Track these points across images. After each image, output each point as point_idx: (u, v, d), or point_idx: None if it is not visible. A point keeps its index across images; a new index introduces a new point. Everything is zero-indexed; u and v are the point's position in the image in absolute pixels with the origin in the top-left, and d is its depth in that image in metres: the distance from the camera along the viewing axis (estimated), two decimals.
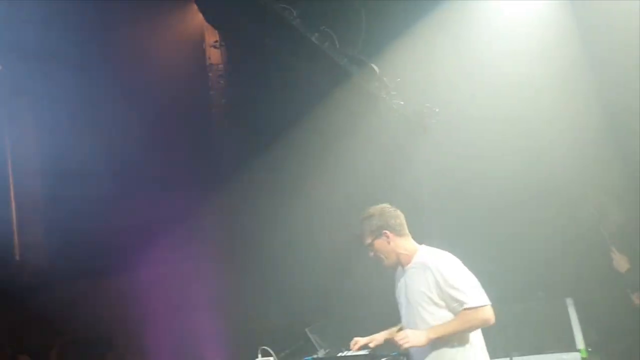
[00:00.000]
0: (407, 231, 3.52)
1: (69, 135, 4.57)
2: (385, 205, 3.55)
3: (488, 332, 3.58)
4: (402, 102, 5.39)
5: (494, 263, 5.32)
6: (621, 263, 4.75)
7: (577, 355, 4.51)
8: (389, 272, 3.60)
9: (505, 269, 5.38)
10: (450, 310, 3.23)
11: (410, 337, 3.25)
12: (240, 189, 5.32)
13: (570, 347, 4.56)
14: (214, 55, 6.77)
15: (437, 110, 5.53)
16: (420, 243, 3.55)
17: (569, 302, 4.76)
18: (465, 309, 3.21)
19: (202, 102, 5.99)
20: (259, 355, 3.99)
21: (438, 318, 3.27)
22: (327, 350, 4.12)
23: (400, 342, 3.26)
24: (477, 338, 3.36)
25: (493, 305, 4.73)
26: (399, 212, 3.54)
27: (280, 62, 4.73)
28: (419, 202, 5.72)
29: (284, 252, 5.24)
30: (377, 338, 3.64)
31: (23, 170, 4.85)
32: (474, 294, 3.23)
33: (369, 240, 3.47)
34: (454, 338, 3.27)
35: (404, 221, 3.52)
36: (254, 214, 4.86)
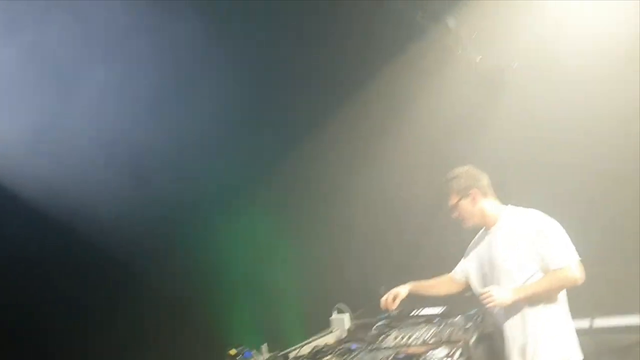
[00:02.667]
0: (492, 192, 3.47)
1: None
2: (470, 166, 3.51)
3: (569, 292, 3.50)
4: (478, 58, 5.22)
5: (580, 222, 5.12)
6: None
7: None
8: (469, 232, 3.57)
9: (592, 227, 5.18)
10: (541, 269, 3.15)
11: (495, 295, 3.14)
12: (314, 148, 5.35)
13: None
14: None
15: (515, 65, 5.32)
16: (505, 204, 3.51)
17: None
18: (555, 269, 3.14)
19: None
20: (335, 312, 4.09)
21: (527, 277, 3.21)
22: (400, 309, 4.16)
23: (485, 301, 3.16)
24: (563, 299, 3.29)
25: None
26: (484, 174, 3.50)
27: (354, 18, 4.65)
28: (499, 161, 5.58)
29: (360, 213, 5.27)
30: (402, 293, 3.63)
31: None
32: (565, 253, 3.15)
33: (454, 200, 3.44)
34: (541, 298, 3.21)
35: (489, 182, 3.48)
36: (328, 175, 4.87)
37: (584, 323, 4.50)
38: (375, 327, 3.68)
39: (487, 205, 3.43)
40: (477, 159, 3.79)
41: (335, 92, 4.53)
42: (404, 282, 3.96)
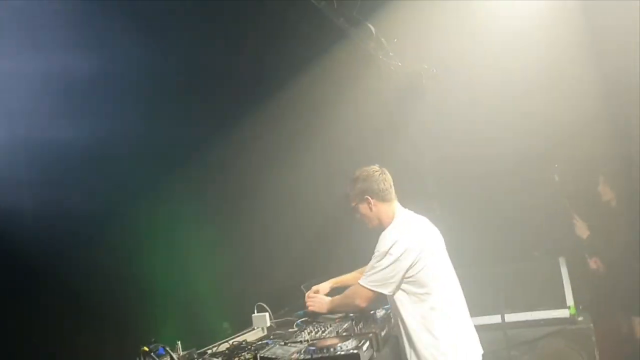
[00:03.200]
0: (392, 196, 3.46)
1: None
2: (373, 168, 3.49)
3: (483, 291, 3.67)
4: (399, 64, 5.39)
5: (492, 224, 5.39)
6: (582, 229, 4.96)
7: (566, 312, 4.61)
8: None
9: (503, 229, 5.45)
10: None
11: (316, 301, 3.54)
12: (234, 148, 5.36)
13: (561, 304, 4.66)
14: None
15: (435, 71, 5.52)
16: (410, 205, 3.57)
17: (562, 261, 4.83)
18: (358, 283, 3.33)
19: None
20: (255, 311, 4.11)
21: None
22: None
23: (307, 304, 3.54)
24: (443, 304, 3.33)
25: (491, 265, 4.82)
26: (386, 176, 3.47)
27: (277, 21, 4.69)
28: (417, 164, 5.77)
29: (281, 213, 5.30)
30: (322, 288, 3.79)
31: None
32: (366, 276, 3.30)
33: (353, 203, 3.49)
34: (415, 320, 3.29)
35: (390, 186, 3.46)
36: (248, 175, 4.88)
37: (496, 318, 4.71)
38: (295, 324, 3.72)
39: (384, 209, 3.42)
40: (395, 162, 3.90)
41: (255, 92, 4.56)
42: (324, 280, 4.05)
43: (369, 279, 3.26)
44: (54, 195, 3.80)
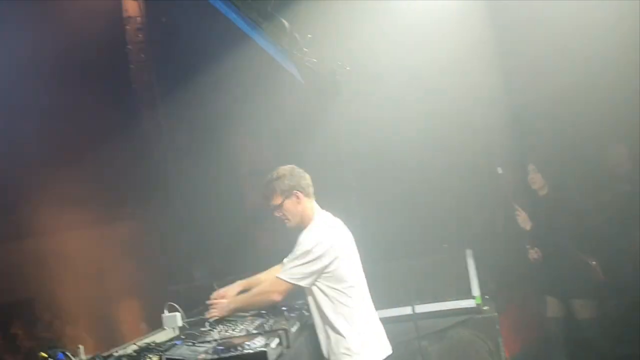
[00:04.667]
0: (313, 193, 3.56)
1: None
2: (294, 166, 3.57)
3: (394, 284, 3.76)
4: (314, 60, 5.38)
5: (405, 218, 5.51)
6: (525, 221, 5.11)
7: (472, 301, 4.79)
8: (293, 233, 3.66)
9: (415, 223, 5.59)
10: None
11: (218, 307, 3.46)
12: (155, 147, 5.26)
13: (468, 295, 4.84)
14: (132, 8, 6.46)
15: (348, 68, 5.57)
16: (329, 198, 3.63)
17: (468, 253, 5.01)
18: (276, 276, 3.36)
19: (119, 57, 5.77)
20: (165, 311, 4.02)
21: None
22: None
23: (210, 309, 3.47)
24: (352, 301, 3.41)
25: (403, 258, 4.91)
26: (307, 174, 3.57)
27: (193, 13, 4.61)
28: (335, 159, 5.81)
29: (193, 215, 5.23)
30: (229, 292, 3.74)
31: None
32: (286, 269, 3.35)
33: (278, 201, 3.49)
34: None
35: (311, 183, 3.56)
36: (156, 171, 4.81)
37: (407, 310, 4.84)
38: (206, 322, 3.66)
39: (308, 205, 3.51)
40: (307, 160, 3.91)
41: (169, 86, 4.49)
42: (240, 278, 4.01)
43: (288, 272, 3.29)
44: None
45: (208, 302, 3.64)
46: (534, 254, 5.05)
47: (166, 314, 4.01)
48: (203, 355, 2.66)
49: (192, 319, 3.93)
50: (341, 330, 3.30)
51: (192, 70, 5.27)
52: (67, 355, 2.84)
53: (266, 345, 2.66)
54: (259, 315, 3.53)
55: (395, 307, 4.78)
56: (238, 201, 5.25)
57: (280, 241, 4.29)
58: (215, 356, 2.61)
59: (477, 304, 4.78)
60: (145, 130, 5.56)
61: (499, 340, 4.72)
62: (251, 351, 2.59)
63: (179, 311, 4.01)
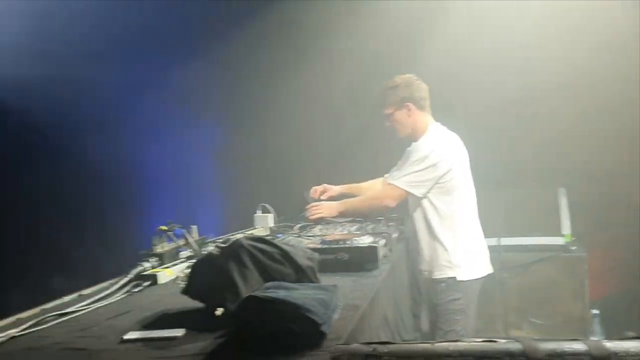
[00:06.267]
0: (428, 107, 3.53)
1: None
2: (411, 76, 3.53)
3: (482, 214, 3.70)
4: None
5: (500, 148, 5.28)
6: None
7: (561, 239, 4.70)
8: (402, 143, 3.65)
9: (509, 155, 5.36)
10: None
11: (323, 206, 3.52)
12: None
13: (557, 232, 4.74)
14: None
15: None
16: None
17: (562, 191, 4.88)
18: (390, 182, 3.37)
19: None
20: (258, 211, 4.11)
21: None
22: None
23: (311, 212, 3.54)
24: (462, 215, 3.41)
25: (494, 189, 4.81)
26: (424, 85, 3.53)
27: None
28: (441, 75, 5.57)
29: (291, 116, 5.28)
30: (334, 189, 3.79)
31: None
32: (399, 175, 3.35)
33: (390, 110, 3.48)
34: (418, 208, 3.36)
35: (427, 96, 3.52)
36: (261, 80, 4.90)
37: (492, 241, 4.78)
38: (297, 226, 3.72)
39: (420, 118, 3.50)
40: (420, 69, 3.81)
41: None
42: None
43: (403, 179, 3.31)
44: None
45: (309, 205, 3.70)
46: None
47: (258, 214, 4.11)
48: (312, 245, 2.70)
49: (283, 224, 4.01)
50: (445, 244, 3.34)
51: None
52: (184, 232, 2.96)
53: (374, 242, 2.68)
54: (355, 221, 3.55)
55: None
56: (347, 113, 5.27)
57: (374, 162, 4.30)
58: (325, 246, 2.64)
59: (566, 242, 4.69)
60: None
61: (584, 281, 4.64)
62: (361, 245, 2.61)
63: (271, 212, 4.10)
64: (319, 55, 5.30)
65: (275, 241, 2.08)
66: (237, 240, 2.03)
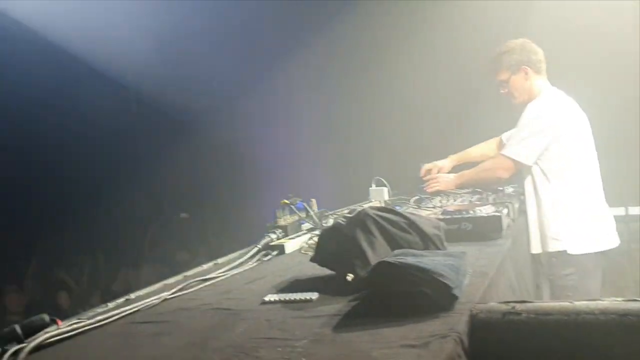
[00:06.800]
0: (544, 69, 3.41)
1: None
2: (525, 40, 3.43)
3: (609, 182, 3.53)
4: None
5: (628, 113, 4.98)
6: None
7: None
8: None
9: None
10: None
11: (440, 180, 3.47)
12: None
13: None
14: None
15: None
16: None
17: None
18: (499, 153, 3.25)
19: None
20: (373, 184, 4.17)
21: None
22: None
23: (429, 185, 3.50)
24: (584, 184, 3.27)
25: (620, 155, 4.56)
26: (539, 49, 3.43)
27: None
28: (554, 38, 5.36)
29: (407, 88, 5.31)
30: (445, 165, 3.74)
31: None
32: (512, 145, 3.22)
33: (505, 76, 3.40)
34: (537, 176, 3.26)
35: (543, 58, 3.41)
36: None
37: (620, 211, 4.56)
38: (413, 199, 3.75)
39: (537, 82, 3.39)
40: (532, 34, 3.69)
41: None
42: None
43: (513, 149, 3.24)
44: None
45: (426, 178, 3.71)
46: None
47: (373, 187, 4.18)
48: (433, 215, 2.73)
49: (397, 197, 4.04)
50: (556, 214, 3.22)
51: None
52: (305, 205, 3.09)
53: (497, 211, 2.66)
54: (475, 191, 3.53)
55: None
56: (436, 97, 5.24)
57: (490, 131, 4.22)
58: (448, 216, 2.66)
59: None
60: None
61: None
62: (485, 215, 2.60)
63: (386, 185, 4.15)
64: (437, 26, 5.24)
65: (401, 210, 2.13)
66: (363, 210, 2.11)
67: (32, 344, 1.67)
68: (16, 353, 1.65)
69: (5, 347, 1.67)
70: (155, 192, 7.29)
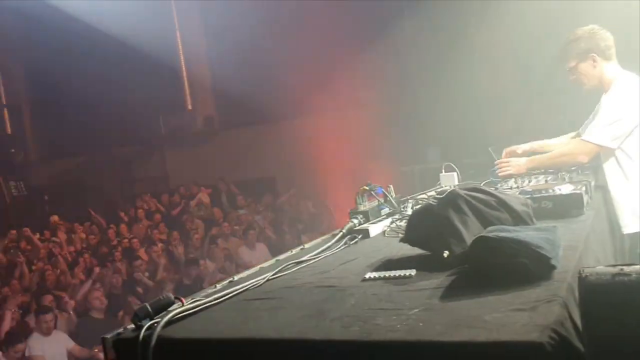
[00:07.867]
0: (614, 55, 3.42)
1: None
2: (594, 26, 3.43)
3: None
4: None
5: None
6: None
7: None
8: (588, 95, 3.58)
9: None
10: None
11: (511, 164, 3.50)
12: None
13: None
14: None
15: None
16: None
17: None
18: (581, 139, 3.28)
19: None
20: (443, 170, 4.25)
21: None
22: None
23: (500, 169, 3.52)
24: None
25: None
26: (608, 34, 3.42)
27: None
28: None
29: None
30: (521, 147, 3.78)
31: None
32: (596, 131, 3.23)
33: (572, 63, 3.43)
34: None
35: (612, 45, 3.41)
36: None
37: None
38: (483, 182, 3.81)
39: (607, 69, 3.40)
40: (603, 18, 3.69)
41: None
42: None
43: (597, 135, 3.29)
44: None
45: (497, 162, 3.76)
46: None
47: (444, 173, 4.26)
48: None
49: (466, 182, 4.10)
50: (634, 194, 3.26)
51: None
52: (384, 191, 3.22)
53: (576, 189, 2.72)
54: (548, 172, 3.56)
55: None
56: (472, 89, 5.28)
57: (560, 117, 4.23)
58: (527, 196, 2.72)
59: None
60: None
61: None
62: (566, 193, 2.66)
63: (455, 171, 4.23)
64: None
65: (489, 189, 2.23)
66: (453, 190, 2.22)
67: (166, 319, 1.86)
68: (150, 327, 1.85)
69: (140, 323, 1.88)
70: None
